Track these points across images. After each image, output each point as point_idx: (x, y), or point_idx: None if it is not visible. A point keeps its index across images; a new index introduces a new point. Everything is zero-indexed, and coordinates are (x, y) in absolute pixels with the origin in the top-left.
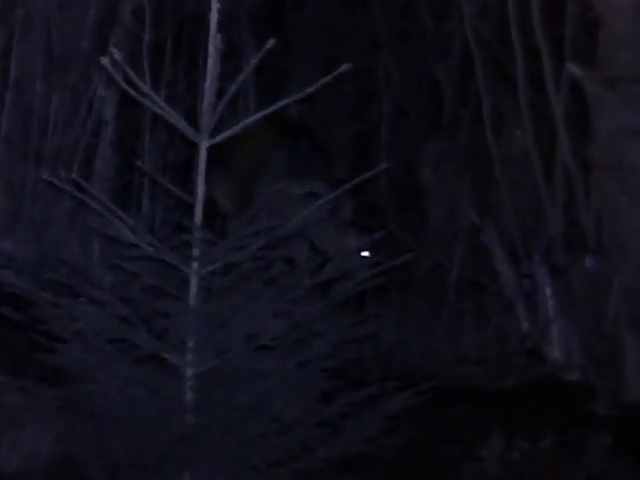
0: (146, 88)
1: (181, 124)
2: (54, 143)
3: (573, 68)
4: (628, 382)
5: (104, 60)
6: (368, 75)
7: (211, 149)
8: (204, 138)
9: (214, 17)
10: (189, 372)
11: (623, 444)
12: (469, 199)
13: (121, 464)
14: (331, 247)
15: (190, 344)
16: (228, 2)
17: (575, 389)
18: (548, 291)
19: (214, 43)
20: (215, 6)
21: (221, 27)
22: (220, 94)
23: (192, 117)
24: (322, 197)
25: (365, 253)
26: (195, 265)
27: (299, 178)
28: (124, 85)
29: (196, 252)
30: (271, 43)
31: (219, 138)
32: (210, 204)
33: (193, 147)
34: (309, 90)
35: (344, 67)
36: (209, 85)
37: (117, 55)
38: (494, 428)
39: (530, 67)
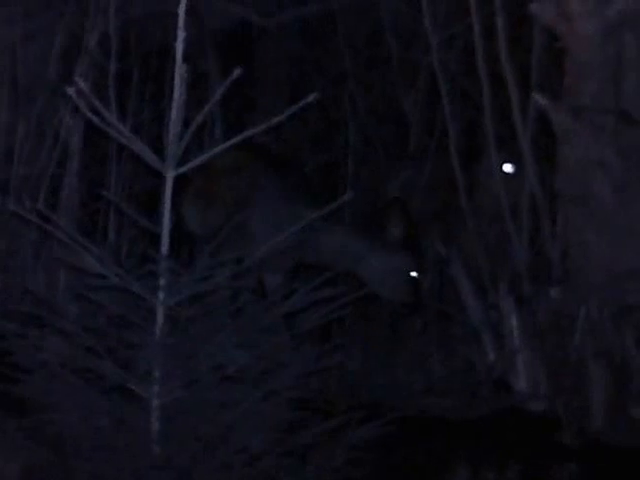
0: (112, 118)
1: (147, 154)
2: (19, 173)
3: (539, 98)
4: (594, 412)
5: (70, 90)
6: (334, 104)
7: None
8: (170, 168)
9: (180, 47)
10: (155, 403)
11: (589, 475)
12: (435, 230)
13: None
14: (378, 270)
15: (156, 375)
16: (194, 32)
17: (541, 420)
18: (514, 322)
19: (180, 73)
20: (181, 36)
21: (187, 57)
22: (186, 124)
23: (158, 147)
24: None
25: (414, 273)
26: (161, 295)
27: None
28: (90, 115)
29: (162, 282)
30: (237, 73)
31: (185, 168)
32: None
33: (159, 177)
34: (275, 120)
35: (310, 97)
36: (175, 115)
37: (83, 85)
38: (460, 459)
39: (496, 97)
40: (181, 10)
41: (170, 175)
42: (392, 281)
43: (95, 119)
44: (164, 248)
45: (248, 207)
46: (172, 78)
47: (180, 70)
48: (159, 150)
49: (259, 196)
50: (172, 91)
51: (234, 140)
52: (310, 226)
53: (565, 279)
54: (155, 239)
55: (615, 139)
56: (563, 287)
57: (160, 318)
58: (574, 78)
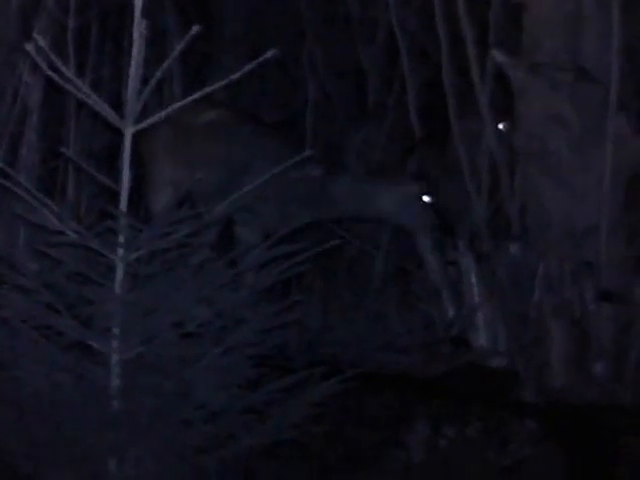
0: (70, 75)
1: (106, 111)
2: None
3: (497, 55)
4: (553, 368)
5: (28, 47)
6: (293, 61)
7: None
8: (129, 124)
9: (138, 3)
10: (115, 359)
11: (549, 430)
12: None
13: (46, 451)
14: (393, 202)
15: (116, 331)
16: None
17: (501, 376)
18: (473, 278)
19: (139, 29)
20: None
21: (146, 13)
22: (145, 81)
23: (117, 104)
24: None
25: (427, 198)
26: (121, 252)
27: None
28: (48, 72)
29: (122, 239)
30: (196, 29)
31: (144, 124)
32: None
33: (119, 134)
34: (234, 76)
35: (269, 53)
36: (134, 72)
37: (41, 42)
38: (420, 415)
39: (455, 54)
40: None
41: (129, 131)
42: (409, 209)
43: (54, 76)
44: (123, 204)
45: (244, 169)
46: (131, 35)
47: (139, 27)
48: (118, 107)
49: (257, 159)
50: (131, 48)
51: (193, 96)
52: (312, 183)
53: (524, 235)
54: (114, 196)
55: (573, 95)
56: (522, 243)
57: (120, 274)
58: (532, 35)
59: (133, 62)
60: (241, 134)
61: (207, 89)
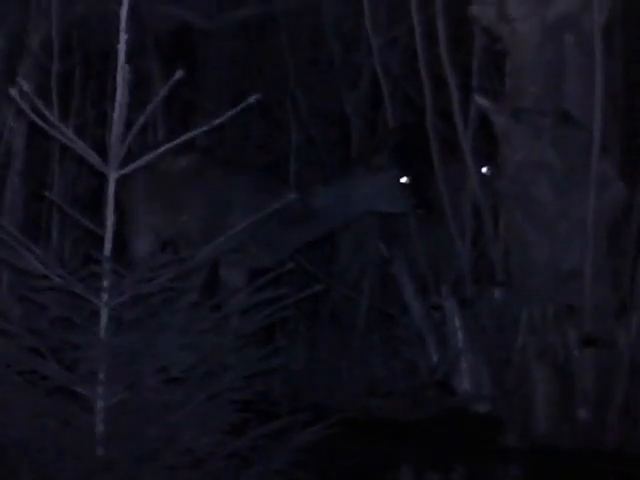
0: (54, 119)
1: (90, 155)
2: None
3: (480, 100)
4: (537, 413)
5: (12, 91)
6: (277, 106)
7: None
8: (113, 169)
9: (122, 48)
10: (99, 404)
11: (533, 476)
12: (378, 231)
13: None
14: (373, 193)
15: (100, 376)
16: (136, 33)
17: (485, 421)
18: (457, 323)
19: (122, 74)
20: (123, 37)
21: (129, 58)
22: (129, 125)
23: (101, 148)
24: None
25: (404, 179)
26: (105, 296)
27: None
28: (32, 116)
29: (106, 283)
30: (179, 74)
31: (127, 169)
32: None
33: (102, 178)
34: (218, 121)
35: (252, 98)
36: (117, 116)
37: (25, 86)
38: (404, 460)
39: (438, 99)
40: (123, 12)
41: (113, 176)
42: (389, 195)
43: (38, 120)
44: (107, 249)
45: (226, 208)
46: (114, 79)
47: (122, 72)
48: (102, 151)
49: (237, 196)
50: (115, 92)
51: (177, 141)
52: (291, 207)
53: (507, 280)
54: (98, 240)
55: (555, 140)
56: (506, 288)
57: (104, 319)
58: (515, 80)
59: (117, 107)
60: (217, 177)
61: (190, 134)
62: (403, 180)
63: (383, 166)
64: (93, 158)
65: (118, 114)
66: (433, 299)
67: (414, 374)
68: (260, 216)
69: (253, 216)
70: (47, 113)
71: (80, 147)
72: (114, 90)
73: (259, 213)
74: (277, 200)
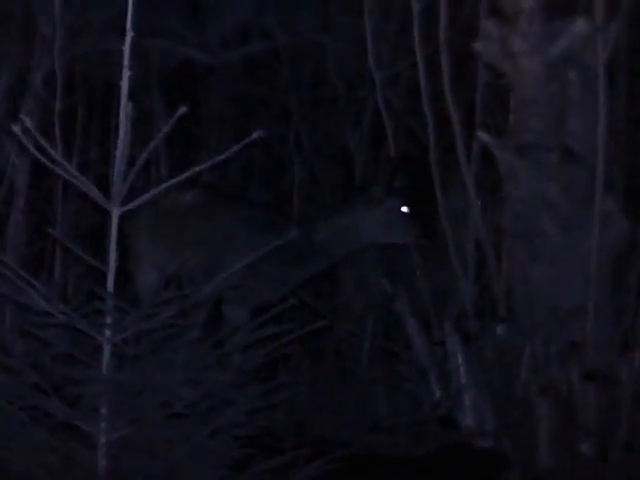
0: (57, 156)
1: (93, 192)
2: None
3: (484, 136)
4: (540, 449)
5: (15, 128)
6: (280, 143)
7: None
8: (116, 206)
9: (125, 85)
10: (102, 440)
11: None
12: (381, 267)
13: None
14: (376, 224)
15: (103, 412)
16: (139, 70)
17: (488, 456)
18: (460, 359)
19: (125, 111)
20: (126, 74)
21: (132, 95)
22: (131, 161)
23: (104, 184)
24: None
25: (405, 209)
26: (108, 333)
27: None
28: (35, 153)
29: (109, 320)
30: (182, 110)
31: (131, 206)
32: None
33: (105, 215)
34: (221, 157)
35: (255, 134)
36: (120, 153)
37: (28, 123)
38: None
39: (441, 135)
40: (126, 48)
41: (116, 213)
42: (390, 226)
43: (41, 157)
44: (110, 285)
45: (227, 245)
46: (117, 116)
47: (125, 108)
48: (105, 187)
49: (239, 233)
50: (117, 129)
51: (179, 178)
52: (294, 242)
53: (510, 316)
54: (101, 276)
55: (559, 176)
56: (508, 324)
57: (107, 355)
58: (518, 116)
59: (120, 143)
60: (219, 213)
61: (193, 170)
62: (404, 210)
63: (384, 197)
64: (96, 194)
65: (121, 150)
66: (436, 335)
67: (417, 409)
68: (262, 253)
69: (255, 253)
70: (50, 150)
71: (83, 183)
72: (117, 126)
73: (261, 250)
74: (279, 237)
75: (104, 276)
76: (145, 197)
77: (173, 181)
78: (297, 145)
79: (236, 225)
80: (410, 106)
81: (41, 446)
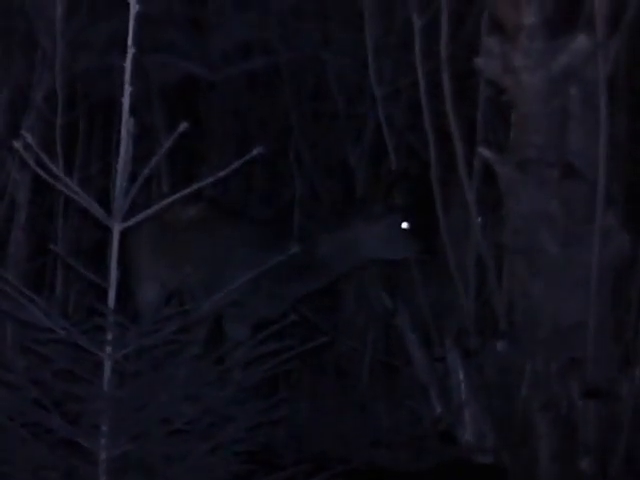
0: (59, 172)
1: (94, 208)
2: None
3: (485, 151)
4: (540, 465)
5: (17, 144)
6: (281, 158)
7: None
8: (117, 222)
9: (126, 101)
10: (103, 456)
11: None
12: (381, 283)
13: None
14: (376, 239)
15: (104, 428)
16: (140, 86)
17: (488, 472)
18: (460, 374)
19: (126, 127)
20: (127, 90)
21: (133, 110)
22: (133, 177)
23: (105, 200)
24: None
25: (405, 225)
26: (109, 349)
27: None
28: (37, 169)
29: (109, 336)
30: (183, 126)
31: (132, 222)
32: None
33: (106, 231)
34: (222, 173)
35: (255, 150)
36: (121, 168)
37: (29, 139)
38: None
39: (442, 151)
40: (127, 64)
41: (117, 229)
42: (390, 241)
43: (42, 173)
44: (111, 301)
45: (228, 261)
46: (119, 132)
47: (127, 124)
48: (106, 203)
49: (240, 249)
50: (119, 145)
51: (181, 193)
52: (294, 258)
53: (511, 332)
54: (102, 292)
55: (560, 192)
56: (509, 340)
57: (107, 372)
58: (519, 131)
59: (121, 159)
60: (220, 228)
61: (195, 186)
62: (404, 225)
63: (384, 213)
64: (97, 210)
65: (122, 166)
66: (436, 351)
67: (417, 425)
68: (262, 269)
69: (255, 269)
70: (51, 166)
71: (84, 200)
72: (118, 142)
73: (261, 266)
74: (280, 253)
75: (105, 292)
76: (146, 213)
77: (175, 197)
78: (298, 160)
79: (237, 241)
80: (411, 122)
81: (42, 462)
